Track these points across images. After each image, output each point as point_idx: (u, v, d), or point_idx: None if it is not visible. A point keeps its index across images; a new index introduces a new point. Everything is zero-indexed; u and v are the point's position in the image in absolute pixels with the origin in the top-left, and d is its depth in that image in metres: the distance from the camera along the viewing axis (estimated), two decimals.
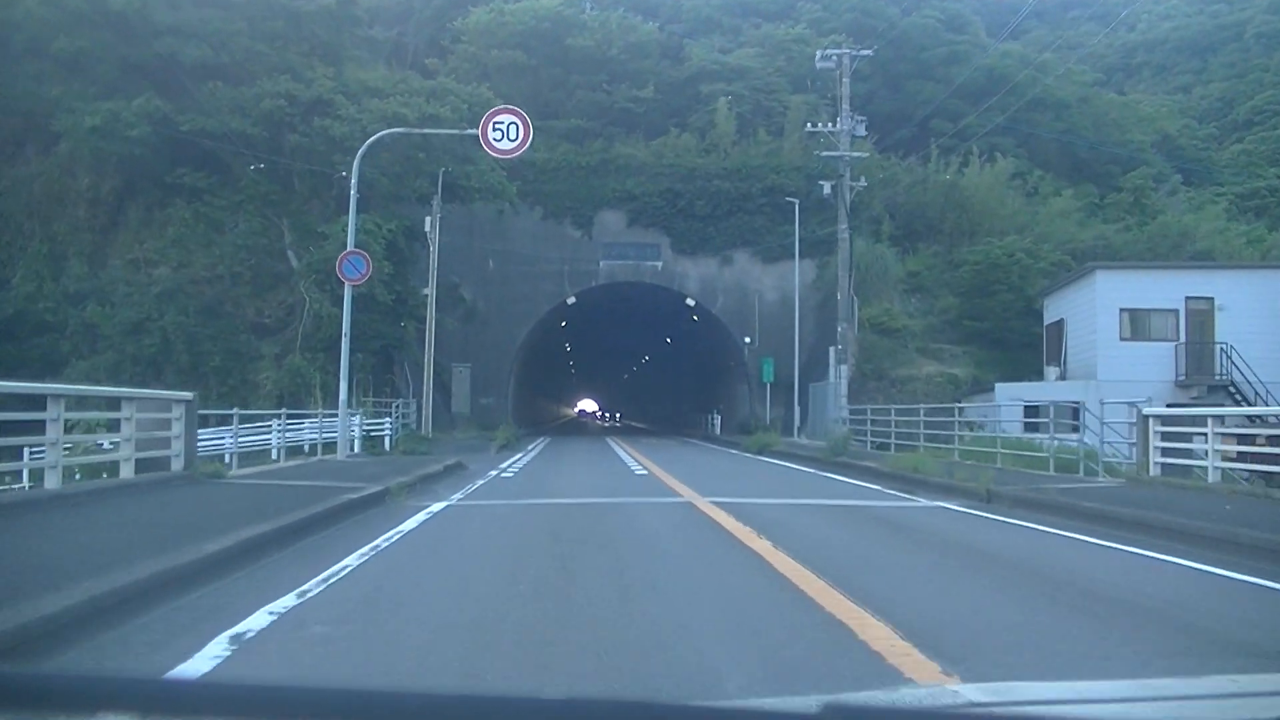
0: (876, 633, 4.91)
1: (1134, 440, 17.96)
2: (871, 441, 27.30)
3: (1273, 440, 13.92)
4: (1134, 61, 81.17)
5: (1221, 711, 2.27)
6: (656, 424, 67.42)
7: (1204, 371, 30.40)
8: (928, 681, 3.92)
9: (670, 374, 64.53)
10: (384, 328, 28.99)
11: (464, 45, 46.10)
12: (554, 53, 45.34)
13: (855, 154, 33.54)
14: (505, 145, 18.31)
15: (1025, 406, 28.74)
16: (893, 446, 25.62)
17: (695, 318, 44.56)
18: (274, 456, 22.64)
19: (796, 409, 36.59)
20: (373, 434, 25.19)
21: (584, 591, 6.02)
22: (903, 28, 52.57)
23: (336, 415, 20.67)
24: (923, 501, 13.37)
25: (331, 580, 6.29)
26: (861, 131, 33.53)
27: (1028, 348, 38.24)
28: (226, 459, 16.55)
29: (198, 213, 29.09)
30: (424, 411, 29.68)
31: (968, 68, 52.05)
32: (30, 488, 11.48)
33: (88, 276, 29.88)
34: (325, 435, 22.80)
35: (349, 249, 19.08)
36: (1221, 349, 30.19)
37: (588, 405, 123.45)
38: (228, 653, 4.43)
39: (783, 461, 23.37)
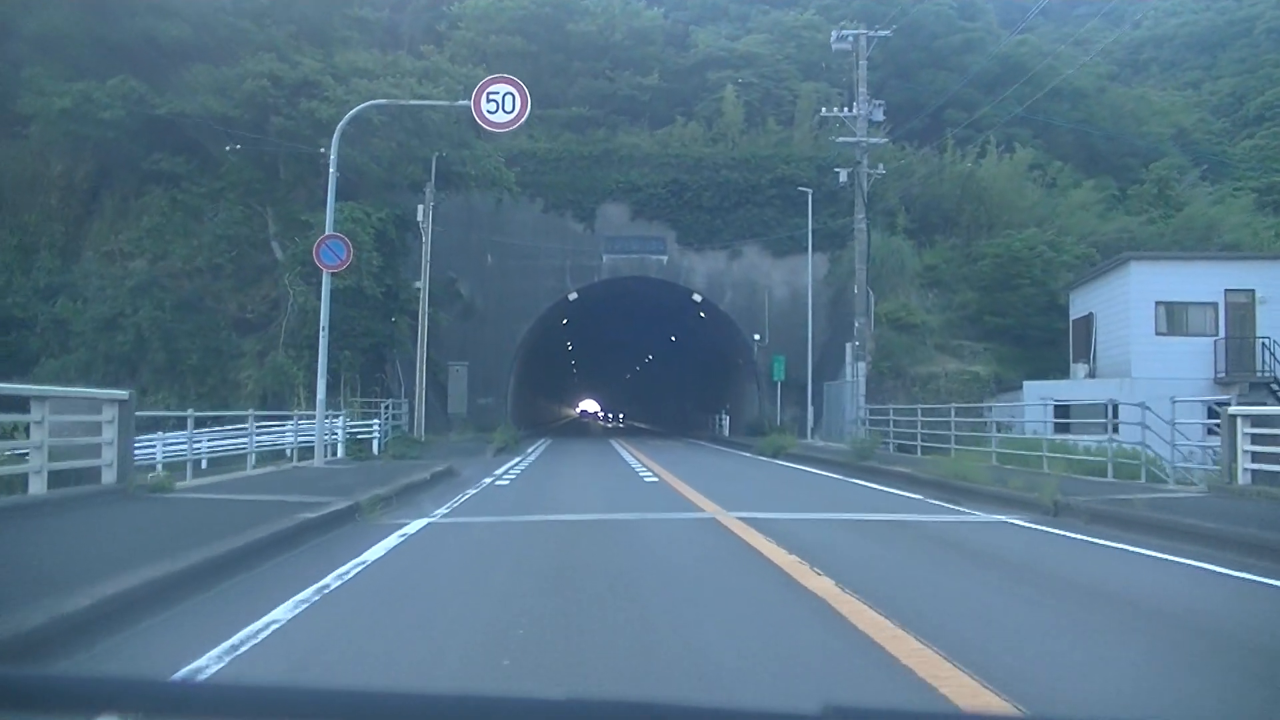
0: None
1: (1175, 442, 16.26)
2: (894, 444, 25.58)
3: None
4: (1142, 57, 79.63)
5: None
6: (661, 425, 65.61)
7: (1244, 368, 28.63)
8: None
9: (675, 373, 62.70)
10: (373, 323, 27.22)
11: (461, 31, 44.37)
12: (554, 39, 43.59)
13: (873, 140, 31.74)
14: (500, 118, 16.51)
15: (1055, 406, 27.09)
16: (919, 449, 23.88)
17: (702, 314, 42.76)
18: (252, 462, 20.92)
19: (810, 409, 34.78)
20: (360, 437, 23.41)
21: (596, 674, 4.22)
22: (914, 15, 50.74)
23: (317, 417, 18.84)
24: (979, 515, 11.58)
25: (242, 649, 4.50)
26: (879, 116, 31.72)
27: (1051, 344, 36.52)
28: (187, 467, 14.69)
29: (175, 201, 27.28)
30: (416, 413, 27.89)
31: (982, 56, 50.26)
32: None
33: (60, 269, 28.12)
34: (304, 439, 21.06)
35: (327, 233, 17.28)
36: (1264, 344, 28.48)
37: (589, 406, 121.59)
38: None
39: (803, 466, 21.57)
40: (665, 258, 40.50)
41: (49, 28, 27.89)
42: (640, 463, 22.41)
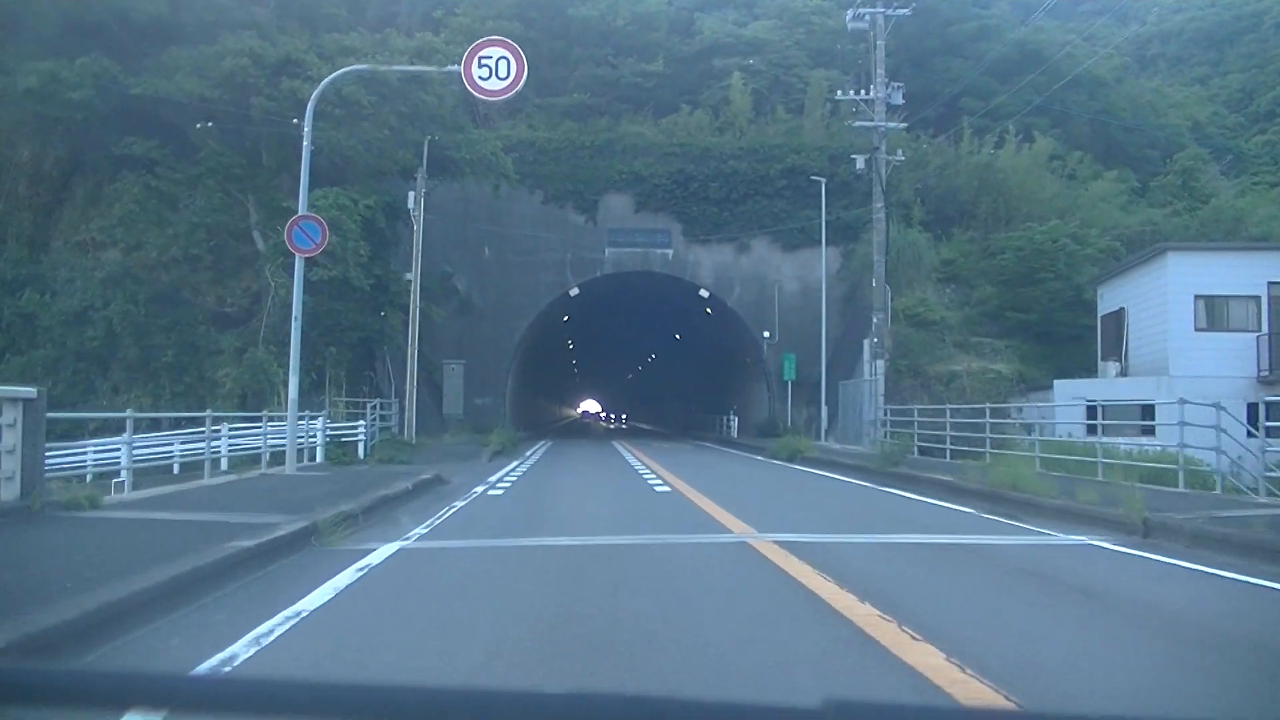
0: None
1: (1219, 447, 14.53)
2: (919, 447, 23.83)
3: None
4: (1149, 53, 78.15)
5: None
6: (665, 426, 63.81)
7: None
8: None
9: (680, 372, 60.85)
10: (361, 317, 25.46)
11: (458, 17, 42.52)
12: (555, 24, 41.82)
13: (891, 124, 29.94)
14: (494, 85, 14.75)
15: (1087, 407, 25.36)
16: (948, 453, 22.13)
17: (709, 310, 40.96)
18: (209, 470, 19.18)
19: (824, 409, 33.01)
20: (344, 439, 21.66)
21: None
22: (928, 0, 48.89)
23: (301, 417, 17.10)
24: (1055, 536, 9.81)
25: None
26: (898, 99, 29.94)
27: (1076, 341, 34.77)
28: (124, 478, 12.89)
29: (149, 187, 25.48)
30: (407, 413, 26.13)
31: (998, 43, 48.46)
32: None
33: (27, 260, 26.35)
34: (279, 443, 19.33)
35: (300, 213, 15.51)
36: None
37: (591, 406, 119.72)
38: None
39: (826, 472, 19.77)
40: (670, 251, 38.74)
41: (13, 7, 26.17)
42: (647, 468, 20.64)
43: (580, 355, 72.49)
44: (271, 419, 17.31)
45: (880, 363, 29.22)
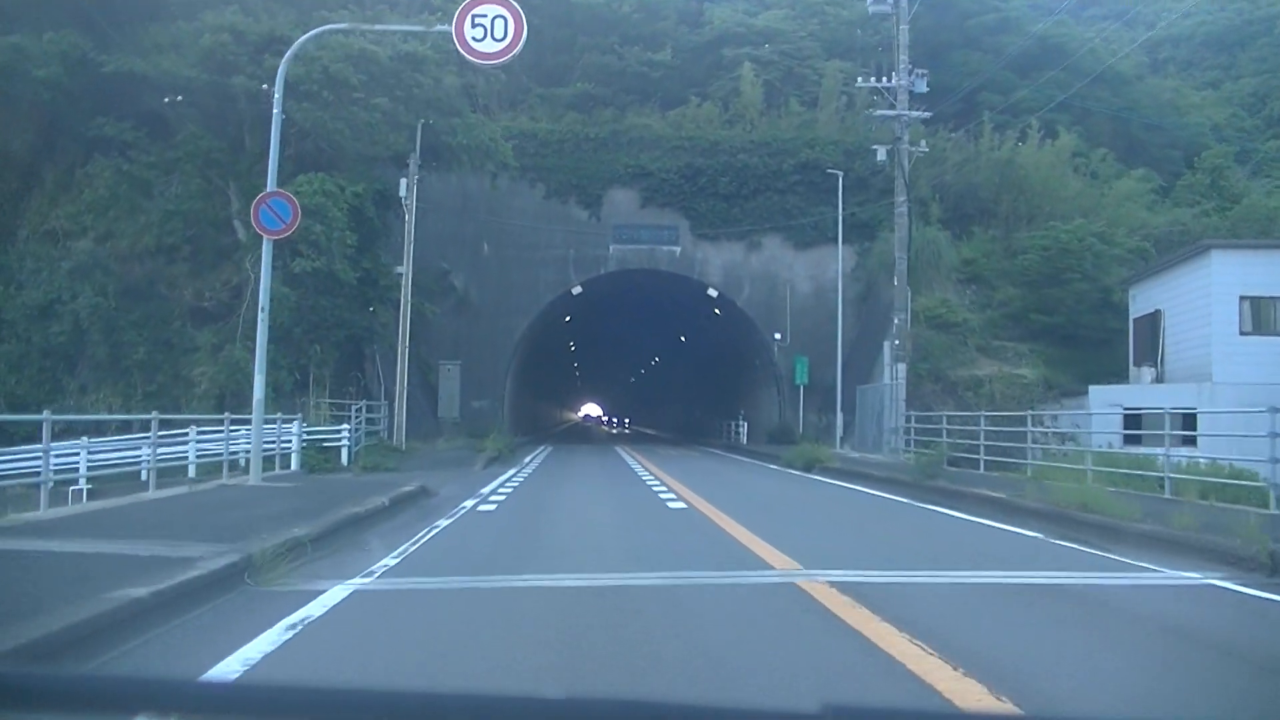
0: None
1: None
2: (947, 457, 22.02)
3: None
4: (1160, 57, 76.76)
5: None
6: (669, 431, 61.99)
7: None
8: None
9: (685, 375, 58.98)
10: (349, 313, 23.73)
11: (456, 4, 40.81)
12: (558, 11, 40.02)
13: (915, 113, 28.17)
14: (489, 47, 13.06)
15: (1125, 415, 23.71)
16: (981, 464, 20.33)
17: (717, 310, 39.21)
18: (192, 474, 17.44)
19: (839, 415, 31.22)
20: (326, 445, 19.92)
21: None
22: None
23: (271, 421, 15.36)
24: (1162, 573, 8.04)
25: None
26: (923, 87, 28.19)
27: (1104, 345, 32.99)
28: (41, 492, 11.05)
29: (121, 172, 23.72)
30: (397, 416, 24.39)
31: (1019, 37, 46.75)
32: None
33: None
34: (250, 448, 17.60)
35: (269, 190, 13.77)
36: None
37: (592, 410, 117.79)
38: None
39: (852, 484, 17.96)
40: (678, 249, 37.01)
41: None
42: (656, 478, 18.87)
43: (582, 356, 70.69)
44: (235, 423, 15.53)
45: (902, 366, 27.47)
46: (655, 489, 16.08)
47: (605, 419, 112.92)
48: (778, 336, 36.50)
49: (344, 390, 23.77)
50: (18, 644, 3.98)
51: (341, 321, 23.54)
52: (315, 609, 5.81)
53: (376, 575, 7.10)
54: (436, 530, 10.05)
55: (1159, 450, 18.88)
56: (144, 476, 17.85)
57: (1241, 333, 25.57)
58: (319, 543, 8.11)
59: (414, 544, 8.85)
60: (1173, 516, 10.01)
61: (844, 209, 33.74)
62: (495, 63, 13.72)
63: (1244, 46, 72.62)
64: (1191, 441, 19.53)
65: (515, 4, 13.34)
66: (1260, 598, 7.01)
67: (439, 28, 14.76)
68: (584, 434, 65.84)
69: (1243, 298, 25.65)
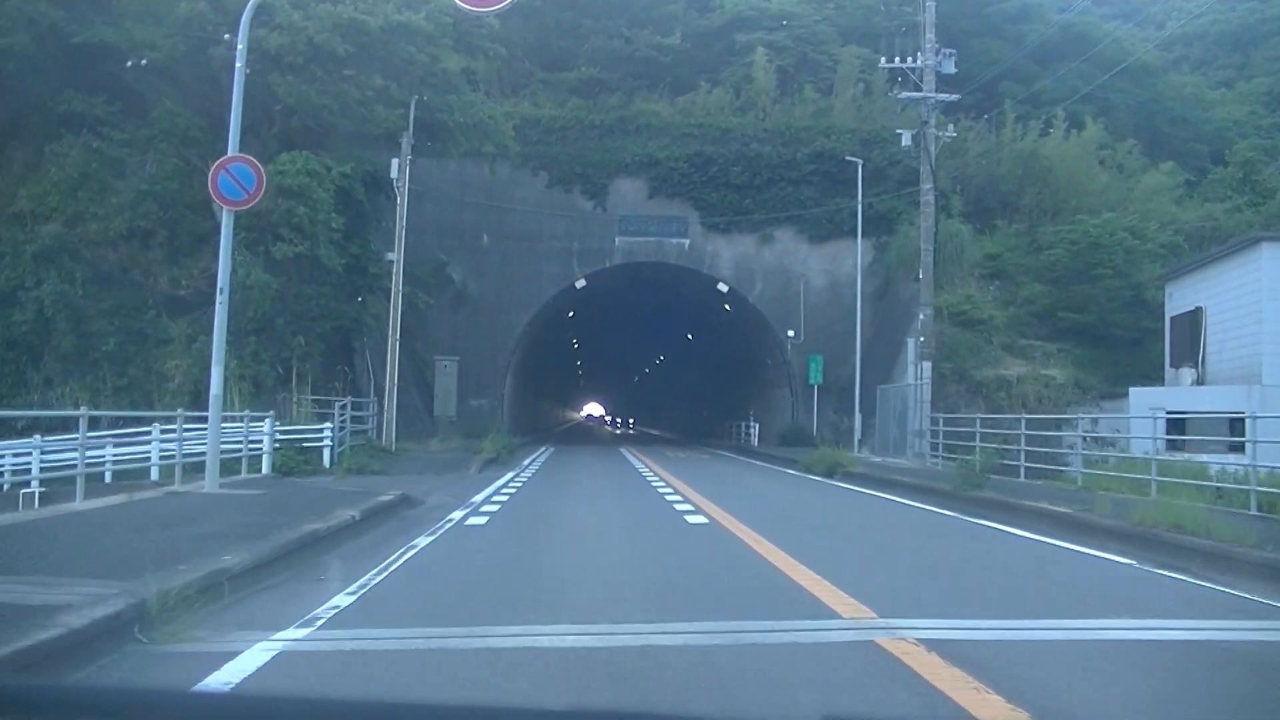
0: None
1: None
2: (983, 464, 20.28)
3: None
4: (1173, 55, 75.23)
5: None
6: (675, 432, 60.24)
7: None
8: None
9: (692, 373, 57.14)
10: (336, 303, 22.06)
11: None
12: None
13: (943, 95, 26.42)
14: None
15: (1170, 420, 21.93)
16: (1021, 472, 18.60)
17: (727, 306, 37.50)
18: (154, 478, 15.77)
19: (858, 417, 29.49)
20: (307, 445, 18.23)
21: None
22: None
23: (237, 419, 13.71)
24: None
25: None
26: (950, 68, 26.42)
27: (1135, 345, 31.32)
28: None
29: (92, 149, 22.03)
30: (386, 415, 22.71)
31: (1041, 25, 45.08)
32: None
33: None
34: (227, 448, 15.94)
35: (230, 154, 12.09)
36: None
37: (594, 409, 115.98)
38: None
39: (884, 493, 16.21)
40: (687, 241, 35.31)
41: None
42: (667, 484, 17.17)
43: (585, 354, 68.95)
44: (198, 420, 13.88)
45: (927, 365, 25.72)
46: (668, 498, 14.36)
47: (609, 419, 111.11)
48: (791, 334, 34.85)
49: (330, 386, 22.07)
50: None
51: (328, 312, 21.87)
52: (218, 680, 4.12)
53: (319, 624, 5.39)
54: (413, 551, 8.35)
55: (1206, 457, 17.26)
56: (107, 479, 16.28)
57: None
58: (259, 573, 6.42)
59: (380, 572, 7.14)
60: None
61: (861, 200, 32.05)
62: (490, 9, 11.98)
63: (1258, 45, 71.41)
64: (1239, 448, 17.87)
65: None
66: None
67: None
68: (587, 434, 64.09)
69: None
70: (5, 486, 17.83)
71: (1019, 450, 18.97)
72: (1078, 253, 32.57)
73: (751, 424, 37.64)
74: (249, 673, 4.32)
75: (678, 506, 12.88)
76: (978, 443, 20.40)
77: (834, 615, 5.70)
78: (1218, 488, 13.49)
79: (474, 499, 13.42)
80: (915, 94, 26.46)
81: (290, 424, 18.92)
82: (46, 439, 16.43)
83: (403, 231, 22.58)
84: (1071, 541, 10.13)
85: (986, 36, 45.28)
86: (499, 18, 35.52)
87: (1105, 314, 31.71)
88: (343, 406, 19.54)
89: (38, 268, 21.33)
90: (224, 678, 4.21)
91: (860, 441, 29.08)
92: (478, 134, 24.97)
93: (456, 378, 33.44)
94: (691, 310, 42.63)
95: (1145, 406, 23.90)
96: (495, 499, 13.72)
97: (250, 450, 15.63)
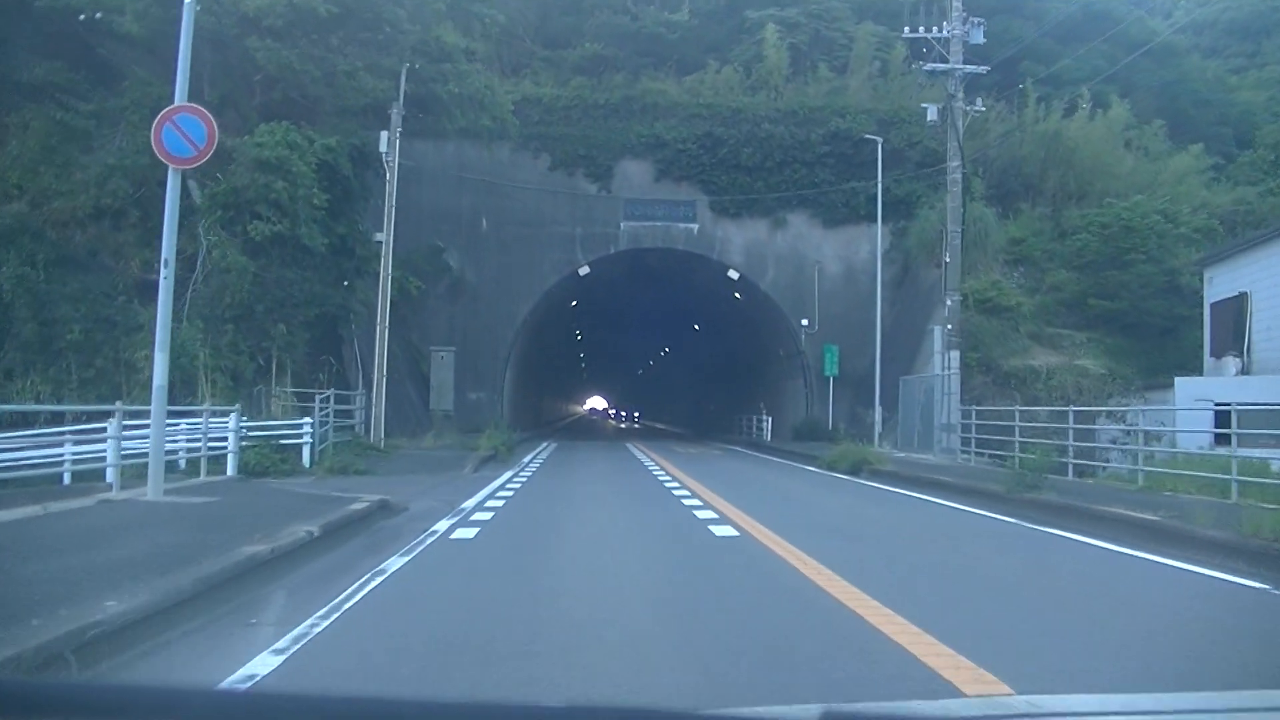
0: None
1: None
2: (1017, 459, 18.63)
3: None
4: (1182, 44, 73.52)
5: None
6: (682, 426, 58.58)
7: None
8: None
9: (702, 365, 55.40)
10: (320, 288, 20.37)
11: None
12: None
13: (970, 68, 24.73)
14: None
15: (1216, 413, 20.19)
16: (1070, 469, 16.95)
17: (738, 294, 35.85)
18: (109, 479, 14.13)
19: (878, 410, 27.83)
20: (285, 443, 16.60)
21: None
22: None
23: (181, 411, 12.08)
24: None
25: None
26: (979, 38, 24.74)
27: (1170, 333, 29.69)
28: None
29: (55, 121, 20.36)
30: (374, 409, 21.08)
31: (1062, 2, 43.33)
32: None
33: None
34: (191, 445, 14.36)
35: (177, 104, 10.43)
36: None
37: (598, 402, 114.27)
38: None
39: (927, 495, 14.51)
40: (695, 226, 33.64)
41: None
42: (683, 485, 15.51)
43: (589, 344, 67.28)
44: (129, 415, 12.27)
45: (955, 355, 24.06)
46: (686, 502, 12.71)
47: (613, 412, 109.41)
48: (805, 323, 33.20)
49: (313, 378, 20.42)
50: None
51: (312, 298, 20.20)
52: None
53: None
54: (381, 579, 6.70)
55: (1261, 452, 15.64)
56: (66, 480, 14.66)
57: None
58: (160, 621, 4.76)
59: (330, 614, 5.48)
60: None
61: (878, 185, 30.36)
62: None
63: (1269, 34, 69.78)
64: None
65: None
66: None
67: None
68: (590, 429, 62.43)
69: None
70: None
71: (1068, 446, 17.34)
72: (1108, 237, 30.88)
73: (764, 417, 35.98)
74: None
75: (698, 514, 11.21)
76: (1017, 437, 18.73)
77: (955, 691, 4.02)
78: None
79: (465, 505, 11.78)
80: (942, 65, 24.74)
81: (267, 419, 17.27)
82: None
83: (392, 210, 20.91)
84: (1177, 559, 8.46)
85: (1007, 14, 43.52)
86: None
87: (1138, 301, 30.03)
88: (324, 400, 17.89)
89: None
90: None
91: (880, 436, 27.44)
92: (474, 107, 23.24)
93: (454, 369, 31.84)
94: (700, 298, 40.96)
95: (1191, 398, 22.26)
96: (489, 504, 12.08)
97: (216, 449, 13.99)
